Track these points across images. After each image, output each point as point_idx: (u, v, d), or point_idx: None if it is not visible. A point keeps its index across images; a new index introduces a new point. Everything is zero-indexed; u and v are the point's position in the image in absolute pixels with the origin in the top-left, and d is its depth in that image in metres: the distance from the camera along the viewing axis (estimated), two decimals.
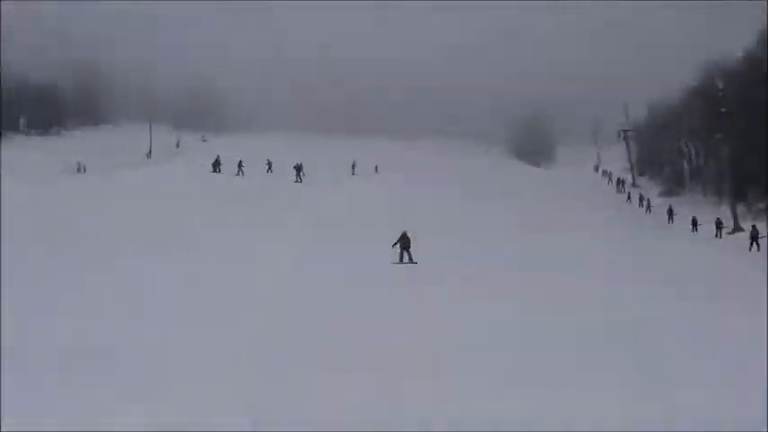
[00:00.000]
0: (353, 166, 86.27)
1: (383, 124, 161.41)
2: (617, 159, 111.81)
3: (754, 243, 47.49)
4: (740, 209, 61.55)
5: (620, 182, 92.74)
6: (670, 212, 67.97)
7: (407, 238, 36.42)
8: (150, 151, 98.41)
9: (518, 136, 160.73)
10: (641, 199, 78.33)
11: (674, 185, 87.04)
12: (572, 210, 67.28)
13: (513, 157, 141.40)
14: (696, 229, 59.21)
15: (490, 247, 41.90)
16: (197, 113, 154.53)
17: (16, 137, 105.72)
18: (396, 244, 36.39)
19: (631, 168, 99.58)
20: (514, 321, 22.47)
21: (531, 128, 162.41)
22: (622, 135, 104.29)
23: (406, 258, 36.01)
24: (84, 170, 75.32)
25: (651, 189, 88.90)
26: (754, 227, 49.42)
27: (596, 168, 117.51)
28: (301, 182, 72.43)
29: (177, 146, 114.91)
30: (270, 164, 78.76)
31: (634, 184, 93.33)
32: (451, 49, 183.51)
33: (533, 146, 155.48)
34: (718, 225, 56.50)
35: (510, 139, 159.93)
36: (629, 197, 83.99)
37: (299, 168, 73.14)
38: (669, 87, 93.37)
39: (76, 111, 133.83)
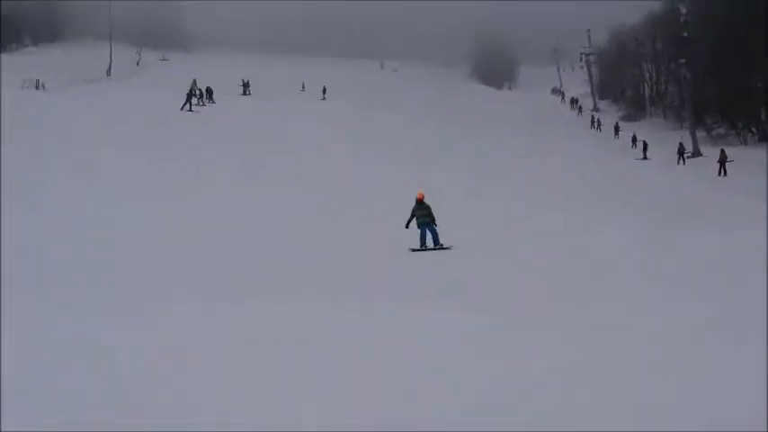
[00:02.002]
0: (303, 87, 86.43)
1: (341, 46, 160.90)
2: (579, 83, 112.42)
3: (722, 168, 46.25)
4: (699, 134, 62.01)
5: (574, 101, 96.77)
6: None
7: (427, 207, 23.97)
8: (110, 69, 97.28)
9: (479, 59, 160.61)
10: (592, 119, 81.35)
11: (634, 110, 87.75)
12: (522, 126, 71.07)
13: (475, 80, 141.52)
14: (645, 156, 57.81)
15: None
16: (157, 32, 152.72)
17: None
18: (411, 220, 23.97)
19: (592, 92, 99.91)
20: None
21: (493, 51, 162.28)
22: (584, 59, 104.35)
23: (429, 241, 23.70)
24: (44, 87, 74.42)
25: (612, 113, 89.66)
26: (722, 151, 48.16)
27: (554, 90, 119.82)
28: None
29: (137, 64, 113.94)
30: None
31: (595, 108, 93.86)
32: None
33: (495, 68, 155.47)
34: (681, 151, 55.00)
35: (471, 61, 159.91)
36: (579, 111, 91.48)
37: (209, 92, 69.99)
38: (632, 11, 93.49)
39: (34, 27, 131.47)
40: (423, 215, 23.62)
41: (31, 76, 75.55)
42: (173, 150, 41.48)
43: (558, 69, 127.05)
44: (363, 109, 67.62)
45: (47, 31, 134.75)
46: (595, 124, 78.42)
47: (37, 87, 74.21)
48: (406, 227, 23.69)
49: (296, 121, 57.91)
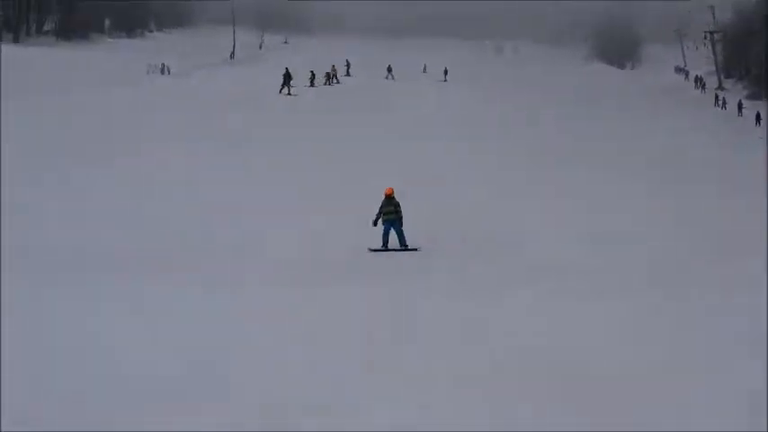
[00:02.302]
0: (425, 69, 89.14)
1: (464, 28, 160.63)
2: (704, 62, 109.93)
3: None
4: None
5: (698, 79, 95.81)
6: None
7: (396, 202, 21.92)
8: (233, 53, 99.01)
9: (603, 37, 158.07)
10: (717, 98, 79.77)
11: (759, 88, 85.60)
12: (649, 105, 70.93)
13: (597, 59, 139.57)
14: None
15: None
16: (279, 15, 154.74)
17: (101, 38, 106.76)
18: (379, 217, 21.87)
19: (717, 71, 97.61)
20: None
21: (616, 29, 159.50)
22: (708, 37, 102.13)
23: (392, 241, 21.84)
24: (169, 72, 76.04)
25: (738, 92, 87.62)
26: None
27: (677, 69, 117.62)
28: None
29: (260, 47, 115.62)
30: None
31: (720, 87, 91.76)
32: None
33: (618, 47, 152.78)
34: None
35: (595, 41, 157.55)
36: (703, 89, 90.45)
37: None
38: None
39: (160, 12, 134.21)
40: (389, 212, 21.58)
41: (156, 62, 77.17)
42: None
43: (682, 48, 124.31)
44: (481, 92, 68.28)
45: (171, 17, 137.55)
46: (720, 103, 76.96)
47: (162, 72, 75.91)
48: (374, 224, 21.60)
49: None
